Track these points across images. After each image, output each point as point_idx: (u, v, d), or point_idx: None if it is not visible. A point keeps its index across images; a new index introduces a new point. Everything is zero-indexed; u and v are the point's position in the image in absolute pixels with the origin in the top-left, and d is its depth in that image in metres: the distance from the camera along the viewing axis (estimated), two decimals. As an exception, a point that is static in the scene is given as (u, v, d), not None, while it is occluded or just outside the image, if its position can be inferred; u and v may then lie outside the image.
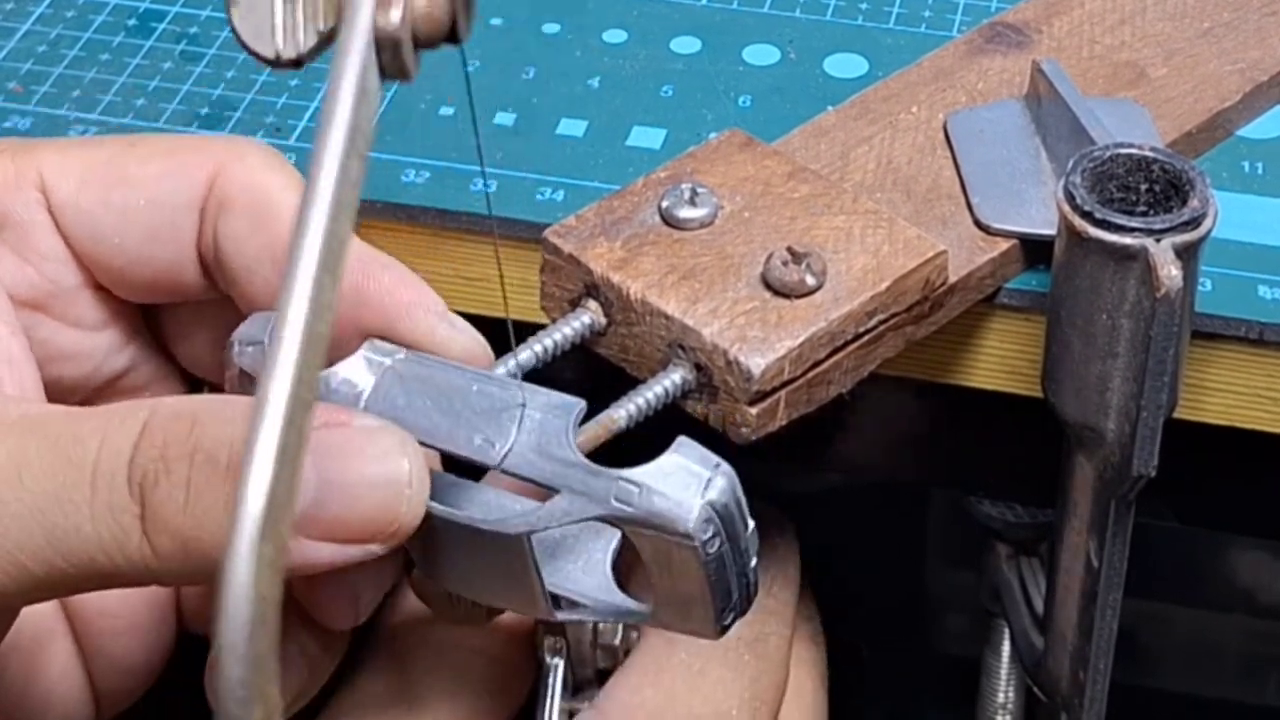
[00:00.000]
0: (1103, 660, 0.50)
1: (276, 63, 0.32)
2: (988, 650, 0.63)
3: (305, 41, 0.32)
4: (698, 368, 0.42)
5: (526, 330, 0.43)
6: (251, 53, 0.32)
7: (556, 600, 0.39)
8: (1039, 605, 0.55)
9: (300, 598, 0.41)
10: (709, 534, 0.37)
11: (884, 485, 0.71)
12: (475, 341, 0.41)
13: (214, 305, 0.45)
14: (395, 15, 0.29)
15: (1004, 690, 0.63)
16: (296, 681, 0.41)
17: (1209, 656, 0.79)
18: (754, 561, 0.38)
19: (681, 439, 0.38)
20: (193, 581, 0.37)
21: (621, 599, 0.40)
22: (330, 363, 0.40)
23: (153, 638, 0.45)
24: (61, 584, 0.36)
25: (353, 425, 0.37)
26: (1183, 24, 0.55)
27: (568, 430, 0.38)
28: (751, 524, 0.38)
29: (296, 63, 0.32)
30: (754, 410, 0.42)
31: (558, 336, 0.43)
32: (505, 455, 0.38)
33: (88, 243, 0.43)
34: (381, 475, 0.36)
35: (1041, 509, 0.57)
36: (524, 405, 0.39)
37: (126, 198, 0.43)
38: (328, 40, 0.32)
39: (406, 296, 0.41)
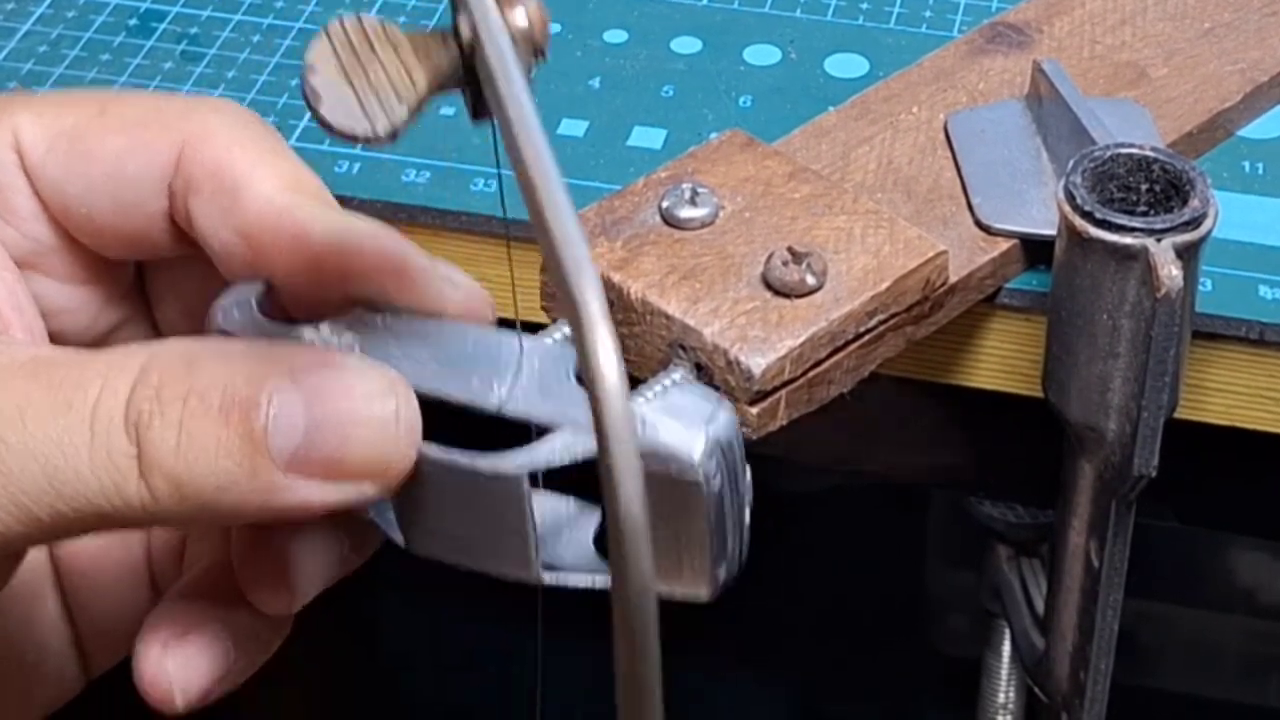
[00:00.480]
0: (1103, 660, 0.50)
1: (375, 140, 0.34)
2: (988, 651, 0.63)
3: (397, 116, 0.34)
4: (698, 367, 0.42)
5: (527, 330, 0.43)
6: (348, 137, 0.34)
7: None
8: (1039, 606, 0.55)
9: (237, 572, 0.41)
10: (713, 467, 0.36)
11: (884, 485, 0.72)
12: (474, 293, 0.41)
13: (195, 272, 0.45)
14: (520, 14, 0.33)
15: (1004, 690, 0.63)
16: (215, 663, 0.41)
17: (1209, 657, 0.79)
18: (748, 513, 0.38)
19: (682, 374, 0.37)
20: (194, 524, 0.37)
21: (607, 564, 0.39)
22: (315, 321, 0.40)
23: (131, 598, 0.45)
24: (65, 527, 0.36)
25: (342, 366, 0.37)
26: (1183, 24, 0.55)
27: (570, 369, 0.38)
28: (748, 469, 0.37)
29: (393, 135, 0.34)
30: (754, 410, 0.42)
31: (558, 336, 0.43)
32: (505, 399, 0.38)
33: (58, 208, 0.43)
34: (371, 413, 0.36)
35: (1042, 509, 0.57)
36: (521, 351, 0.38)
37: (90, 171, 0.42)
38: (417, 109, 0.34)
39: (391, 262, 0.41)
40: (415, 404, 0.37)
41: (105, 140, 0.43)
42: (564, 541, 0.40)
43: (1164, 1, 0.56)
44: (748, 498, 0.38)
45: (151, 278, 0.46)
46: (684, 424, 0.36)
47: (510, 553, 0.38)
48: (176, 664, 0.40)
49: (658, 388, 0.37)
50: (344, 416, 0.36)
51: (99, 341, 0.46)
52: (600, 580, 0.39)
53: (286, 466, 0.36)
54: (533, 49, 0.33)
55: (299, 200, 0.41)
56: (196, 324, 0.45)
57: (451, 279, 0.41)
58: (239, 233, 0.41)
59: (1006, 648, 0.63)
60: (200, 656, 0.40)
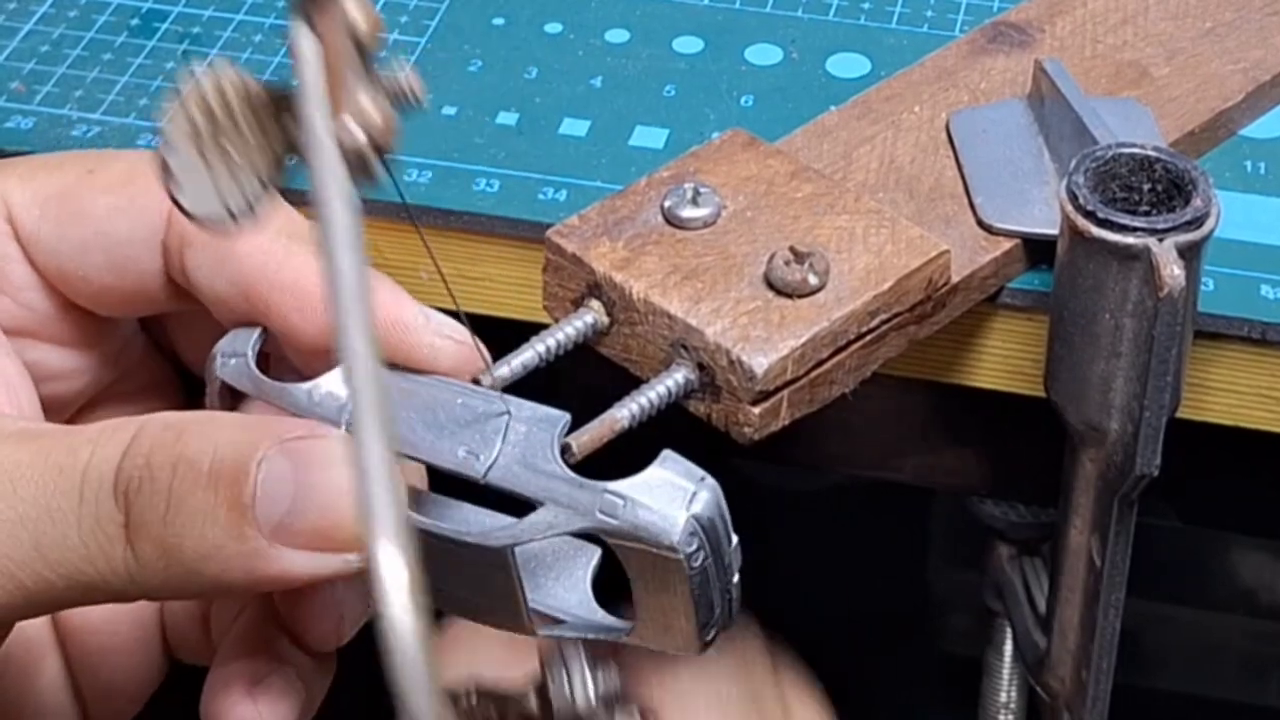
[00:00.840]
0: (1105, 660, 0.50)
1: (233, 221, 0.33)
2: (990, 650, 0.63)
3: (252, 193, 0.33)
4: (700, 367, 0.42)
5: (529, 330, 0.43)
6: (204, 223, 0.33)
7: (538, 616, 0.39)
8: (1041, 605, 0.55)
9: (286, 617, 0.41)
10: (694, 547, 0.36)
11: (886, 485, 0.72)
12: (462, 348, 0.41)
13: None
14: (358, 133, 0.30)
15: (1006, 690, 0.63)
16: (296, 702, 0.41)
17: (1211, 657, 0.79)
18: (736, 577, 0.38)
19: (667, 452, 0.37)
20: (177, 594, 0.37)
21: (602, 616, 0.39)
22: (309, 378, 0.40)
23: (140, 660, 0.45)
24: (52, 598, 0.36)
25: (330, 436, 0.37)
26: (1185, 23, 0.55)
27: (553, 443, 0.38)
28: (735, 539, 0.38)
29: (251, 215, 0.33)
30: (757, 410, 0.42)
31: (560, 336, 0.43)
32: (490, 468, 0.38)
33: (54, 274, 0.43)
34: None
35: (1044, 509, 0.57)
36: (509, 417, 0.38)
37: (82, 232, 0.42)
38: (273, 183, 0.33)
39: (386, 314, 0.41)
40: (400, 479, 0.37)
41: (96, 200, 0.43)
42: (562, 582, 0.40)
43: (1166, 1, 0.56)
44: (736, 563, 0.38)
45: (168, 320, 0.46)
46: (665, 505, 0.36)
47: (504, 611, 0.39)
48: (268, 706, 0.40)
49: (645, 475, 0.37)
50: (331, 486, 0.36)
51: (94, 403, 0.46)
52: (593, 636, 0.39)
53: (272, 535, 0.36)
54: (375, 151, 0.31)
55: (294, 247, 0.41)
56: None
57: (445, 334, 0.41)
58: (235, 284, 0.41)
59: (1008, 647, 0.62)
60: (283, 696, 0.41)
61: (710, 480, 0.37)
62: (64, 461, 0.36)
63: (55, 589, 0.36)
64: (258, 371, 0.40)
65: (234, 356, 0.41)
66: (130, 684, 0.45)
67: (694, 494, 0.37)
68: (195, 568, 0.36)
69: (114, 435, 0.37)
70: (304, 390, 0.40)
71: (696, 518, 0.36)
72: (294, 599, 0.41)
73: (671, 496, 0.37)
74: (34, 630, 0.44)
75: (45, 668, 0.44)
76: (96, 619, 0.44)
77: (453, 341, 0.41)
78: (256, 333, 0.41)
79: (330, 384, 0.40)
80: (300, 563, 0.36)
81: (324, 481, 0.36)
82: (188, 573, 0.36)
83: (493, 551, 0.37)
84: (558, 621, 0.39)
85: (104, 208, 0.42)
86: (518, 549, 0.38)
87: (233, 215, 0.33)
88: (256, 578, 0.36)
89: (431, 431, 0.39)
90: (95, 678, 0.45)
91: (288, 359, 0.42)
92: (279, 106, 0.33)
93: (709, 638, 0.38)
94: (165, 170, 0.33)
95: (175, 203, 0.33)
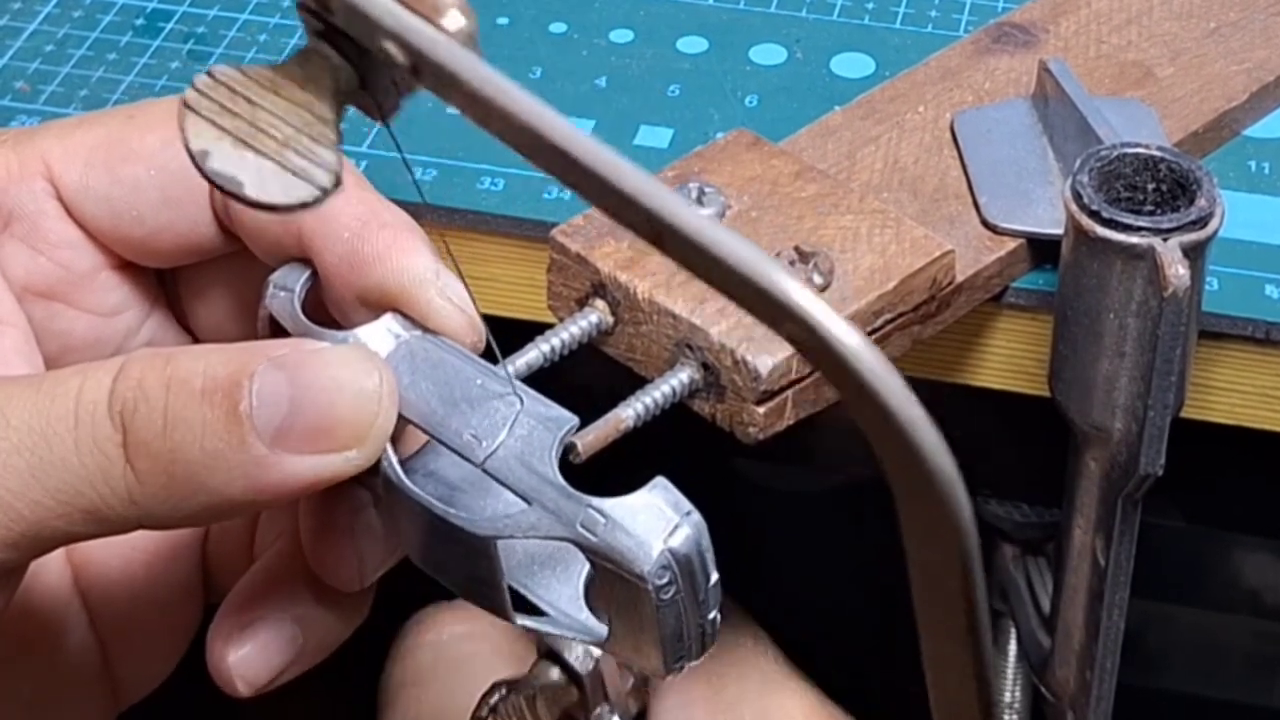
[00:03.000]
0: (1109, 660, 0.50)
1: (325, 196, 0.33)
2: (994, 650, 0.63)
3: (330, 160, 0.32)
4: (705, 367, 0.42)
5: (534, 330, 0.43)
6: (294, 208, 0.33)
7: (521, 603, 0.39)
8: (1046, 605, 0.55)
9: (306, 550, 0.41)
10: (664, 580, 0.36)
11: (888, 485, 0.71)
12: (462, 315, 0.41)
13: (228, 267, 0.45)
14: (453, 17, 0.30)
15: (1011, 690, 0.63)
16: (285, 649, 0.41)
17: (1215, 657, 0.79)
18: (713, 613, 0.38)
19: (659, 479, 0.37)
20: (180, 518, 0.37)
21: (586, 617, 0.39)
22: (348, 327, 0.41)
23: (170, 624, 0.46)
24: (52, 529, 0.37)
25: (319, 346, 0.38)
26: (1189, 24, 0.55)
27: (553, 446, 0.38)
28: (715, 576, 0.37)
29: (338, 181, 0.33)
30: (761, 410, 0.42)
31: (565, 336, 0.43)
32: (489, 456, 0.38)
33: (105, 221, 0.44)
34: (352, 379, 0.37)
35: (1048, 508, 0.57)
36: (520, 409, 0.38)
37: (135, 171, 0.43)
38: (339, 142, 0.32)
39: (399, 261, 0.41)
40: (392, 376, 0.38)
41: (145, 139, 0.43)
42: (556, 576, 0.40)
43: (1170, 1, 0.56)
44: (713, 600, 0.37)
45: (183, 288, 0.47)
46: (643, 532, 0.36)
47: (487, 594, 0.39)
48: (238, 657, 0.41)
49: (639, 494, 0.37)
50: (327, 384, 0.37)
51: None
52: (572, 635, 0.39)
53: (272, 441, 0.36)
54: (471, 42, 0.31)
55: None
56: (233, 331, 0.45)
57: (447, 295, 0.41)
58: None
59: (1013, 647, 0.63)
60: (263, 647, 0.41)
61: (696, 516, 0.37)
62: (55, 390, 0.37)
63: (54, 517, 0.36)
64: (300, 311, 0.41)
65: (283, 290, 0.41)
66: (160, 647, 0.46)
67: (676, 526, 0.36)
68: (196, 482, 0.36)
69: (103, 365, 0.37)
70: (340, 337, 0.40)
71: (672, 551, 0.36)
72: (317, 533, 0.41)
73: (652, 525, 0.36)
74: (57, 591, 0.44)
75: (71, 630, 0.45)
76: (123, 581, 0.45)
77: (451, 304, 0.41)
78: (308, 272, 0.41)
79: (367, 335, 0.40)
80: (302, 467, 0.36)
81: (319, 381, 0.36)
82: (189, 489, 0.36)
83: (478, 538, 0.37)
84: (540, 614, 0.39)
85: (154, 144, 0.43)
86: (505, 540, 0.38)
87: (314, 185, 0.32)
88: (259, 487, 0.36)
89: (444, 405, 0.39)
90: (123, 641, 0.45)
91: (328, 310, 0.43)
92: (294, 76, 0.32)
93: (676, 666, 0.38)
94: (210, 174, 0.32)
95: (242, 199, 0.33)
